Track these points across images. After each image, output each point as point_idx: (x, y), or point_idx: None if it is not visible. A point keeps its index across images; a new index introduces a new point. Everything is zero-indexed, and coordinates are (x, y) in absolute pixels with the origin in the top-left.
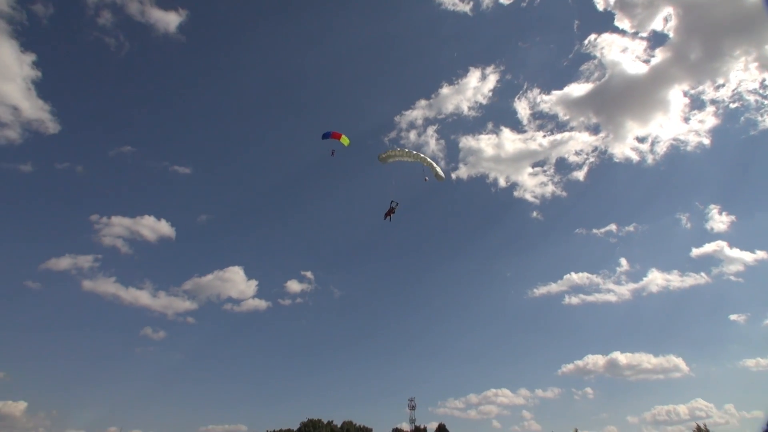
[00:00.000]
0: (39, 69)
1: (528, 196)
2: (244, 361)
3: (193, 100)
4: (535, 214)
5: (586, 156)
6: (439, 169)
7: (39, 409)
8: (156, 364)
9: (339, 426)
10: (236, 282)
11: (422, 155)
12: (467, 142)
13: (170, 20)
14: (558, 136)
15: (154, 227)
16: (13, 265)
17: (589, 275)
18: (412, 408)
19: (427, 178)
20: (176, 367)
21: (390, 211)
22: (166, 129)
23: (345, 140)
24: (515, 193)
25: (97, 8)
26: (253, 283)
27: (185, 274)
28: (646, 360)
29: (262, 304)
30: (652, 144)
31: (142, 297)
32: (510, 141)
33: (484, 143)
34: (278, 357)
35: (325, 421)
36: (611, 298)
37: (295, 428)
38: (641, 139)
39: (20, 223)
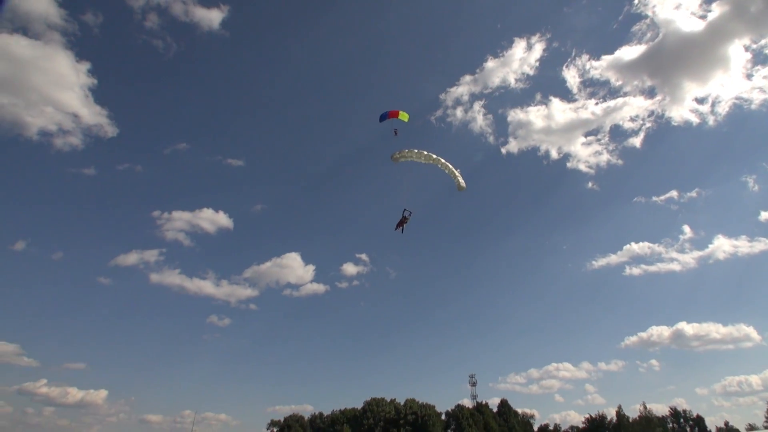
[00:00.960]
0: (94, 76)
1: (582, 167)
2: (306, 343)
3: (240, 94)
4: (590, 184)
5: (642, 121)
6: (460, 178)
7: (119, 396)
8: (223, 350)
9: (402, 404)
10: (294, 268)
11: (443, 160)
12: (516, 115)
13: (213, 17)
14: (611, 103)
15: (212, 219)
16: (86, 263)
17: (651, 245)
18: (473, 384)
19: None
20: (242, 351)
21: (402, 221)
22: (217, 124)
23: (404, 116)
24: (568, 164)
25: (144, 12)
26: (311, 267)
27: (245, 263)
28: (715, 330)
29: (320, 288)
30: (713, 104)
31: (206, 287)
32: (560, 111)
33: (534, 115)
34: (339, 338)
35: (389, 400)
36: (675, 267)
37: (359, 407)
38: (701, 100)
39: (88, 224)
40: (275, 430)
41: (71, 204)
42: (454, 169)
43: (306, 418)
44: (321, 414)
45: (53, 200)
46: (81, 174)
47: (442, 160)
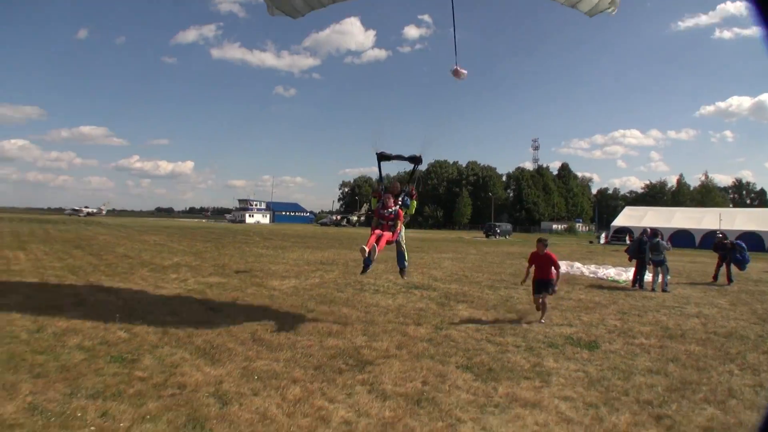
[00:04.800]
0: None
1: None
2: (371, 109)
3: None
4: None
5: None
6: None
7: (204, 165)
8: (292, 119)
9: (464, 166)
10: (354, 34)
11: None
12: None
13: None
14: None
15: None
16: (148, 43)
17: None
18: (536, 148)
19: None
20: (311, 119)
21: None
22: None
23: None
24: None
25: None
26: (371, 33)
27: (303, 31)
28: None
29: (381, 53)
30: None
31: (267, 59)
32: None
33: None
34: (404, 104)
35: (451, 162)
36: None
37: (423, 169)
38: None
39: (141, 4)
40: (346, 189)
41: None
42: None
43: (374, 179)
44: (388, 175)
45: None
46: None
47: None
